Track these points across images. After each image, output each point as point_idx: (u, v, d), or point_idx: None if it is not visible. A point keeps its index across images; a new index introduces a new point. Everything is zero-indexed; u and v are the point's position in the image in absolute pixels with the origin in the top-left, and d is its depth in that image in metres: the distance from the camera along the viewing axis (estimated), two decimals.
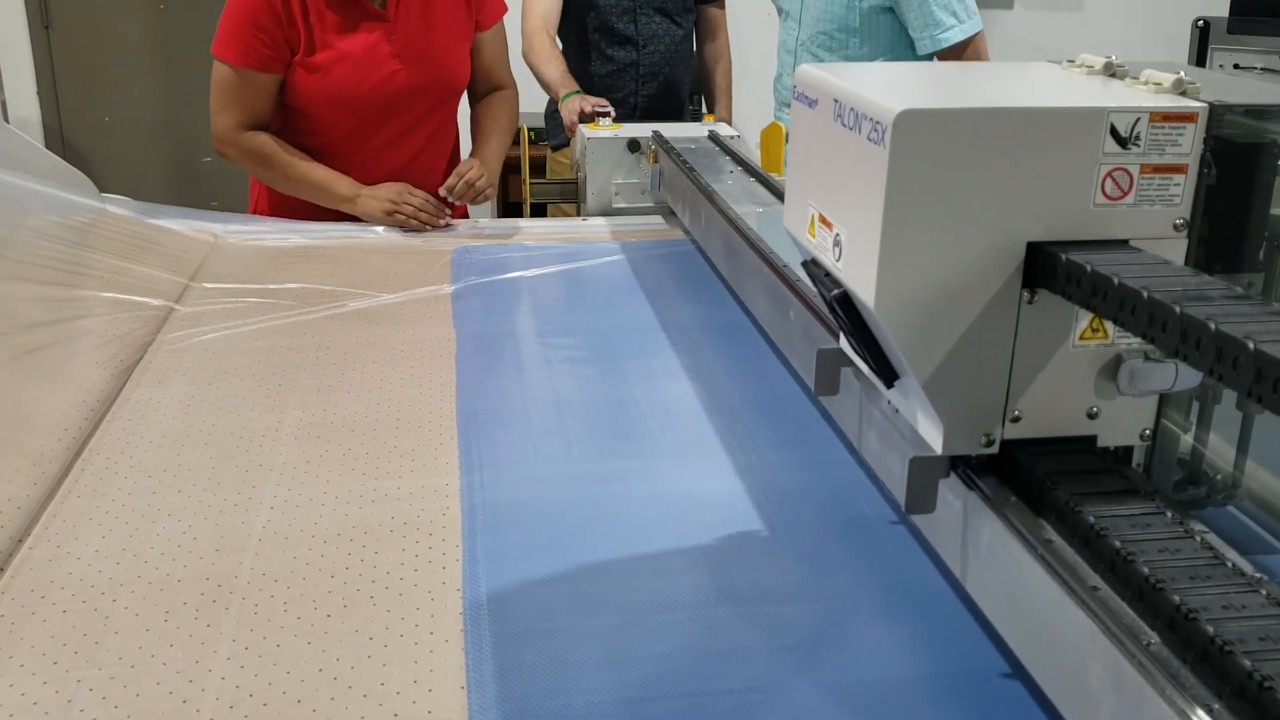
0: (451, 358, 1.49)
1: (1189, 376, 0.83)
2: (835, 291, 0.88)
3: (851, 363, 1.00)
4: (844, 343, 0.99)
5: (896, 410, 0.95)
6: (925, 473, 0.86)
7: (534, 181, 2.20)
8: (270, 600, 0.98)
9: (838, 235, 0.87)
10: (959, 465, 0.86)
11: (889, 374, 0.89)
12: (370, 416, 1.32)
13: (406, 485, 1.17)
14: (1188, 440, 1.00)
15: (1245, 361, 0.58)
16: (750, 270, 1.45)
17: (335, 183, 2.00)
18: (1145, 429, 0.87)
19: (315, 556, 1.04)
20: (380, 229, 2.00)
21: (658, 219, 2.06)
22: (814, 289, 0.95)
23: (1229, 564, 0.70)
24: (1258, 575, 0.68)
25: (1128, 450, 0.87)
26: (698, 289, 1.74)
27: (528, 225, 2.05)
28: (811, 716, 0.84)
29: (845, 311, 0.88)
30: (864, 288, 0.82)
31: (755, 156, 1.89)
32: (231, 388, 1.39)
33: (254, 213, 2.17)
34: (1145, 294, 0.68)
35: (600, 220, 2.06)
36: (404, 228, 1.99)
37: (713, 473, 1.19)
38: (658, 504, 1.13)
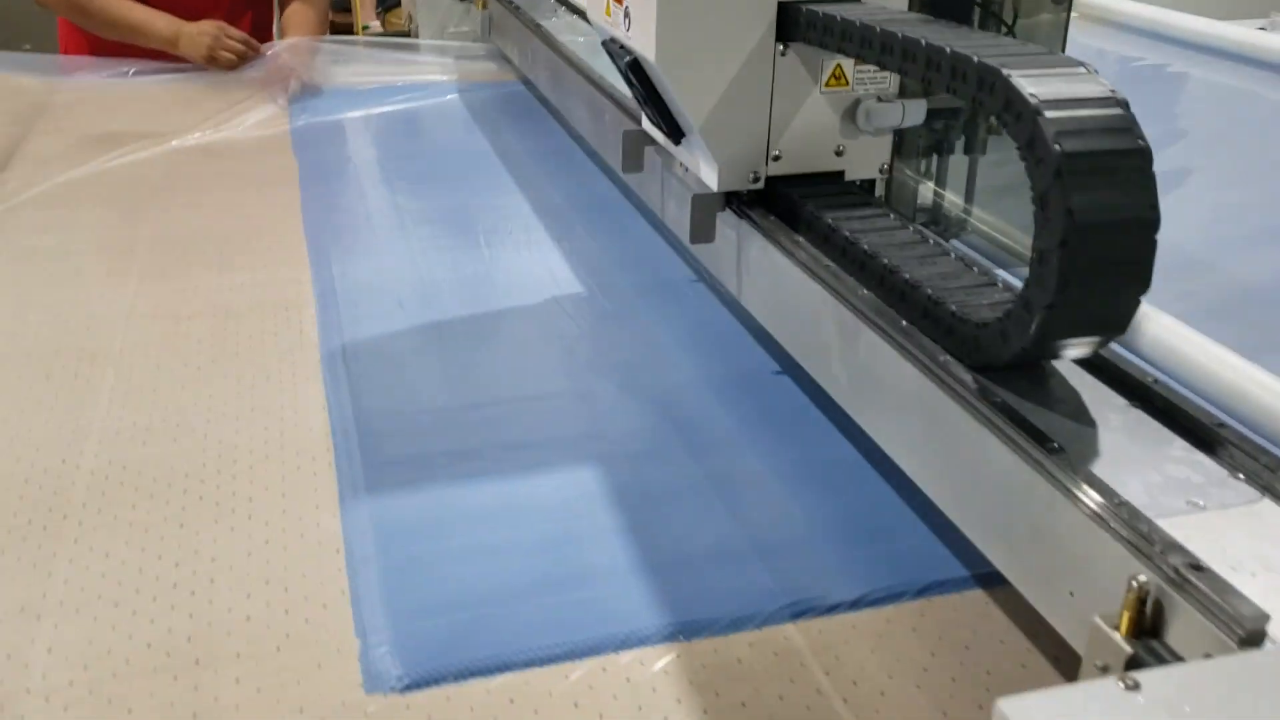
0: (296, 182, 1.59)
1: (915, 113, 1.02)
2: (628, 59, 1.03)
3: (652, 142, 1.16)
4: (645, 123, 1.15)
5: (686, 169, 1.11)
6: (705, 207, 1.03)
7: (369, 37, 2.27)
8: (144, 362, 1.09)
9: (626, 8, 1.02)
10: (732, 202, 1.04)
11: (677, 132, 1.06)
12: (222, 229, 1.43)
13: (262, 276, 1.29)
14: (928, 190, 1.21)
15: (944, 64, 0.75)
16: (572, 87, 1.60)
17: (154, 21, 2.04)
18: (883, 164, 1.06)
19: (181, 330, 1.16)
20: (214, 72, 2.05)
21: (491, 66, 2.17)
22: (621, 93, 1.10)
23: (930, 241, 0.89)
24: (946, 247, 0.88)
25: (871, 183, 1.06)
26: (526, 121, 1.87)
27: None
28: (618, 413, 1.02)
29: (638, 77, 1.04)
30: (647, 47, 0.97)
31: None
32: (84, 215, 1.47)
33: (65, 53, 2.18)
34: (877, 28, 0.85)
35: (434, 61, 2.14)
36: (225, 67, 2.04)
37: (539, 256, 1.35)
38: (495, 280, 1.29)
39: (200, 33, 2.03)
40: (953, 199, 1.18)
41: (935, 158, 1.18)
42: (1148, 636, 0.55)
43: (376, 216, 1.48)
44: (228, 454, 0.95)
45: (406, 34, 2.26)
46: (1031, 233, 0.66)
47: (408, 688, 0.70)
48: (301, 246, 1.37)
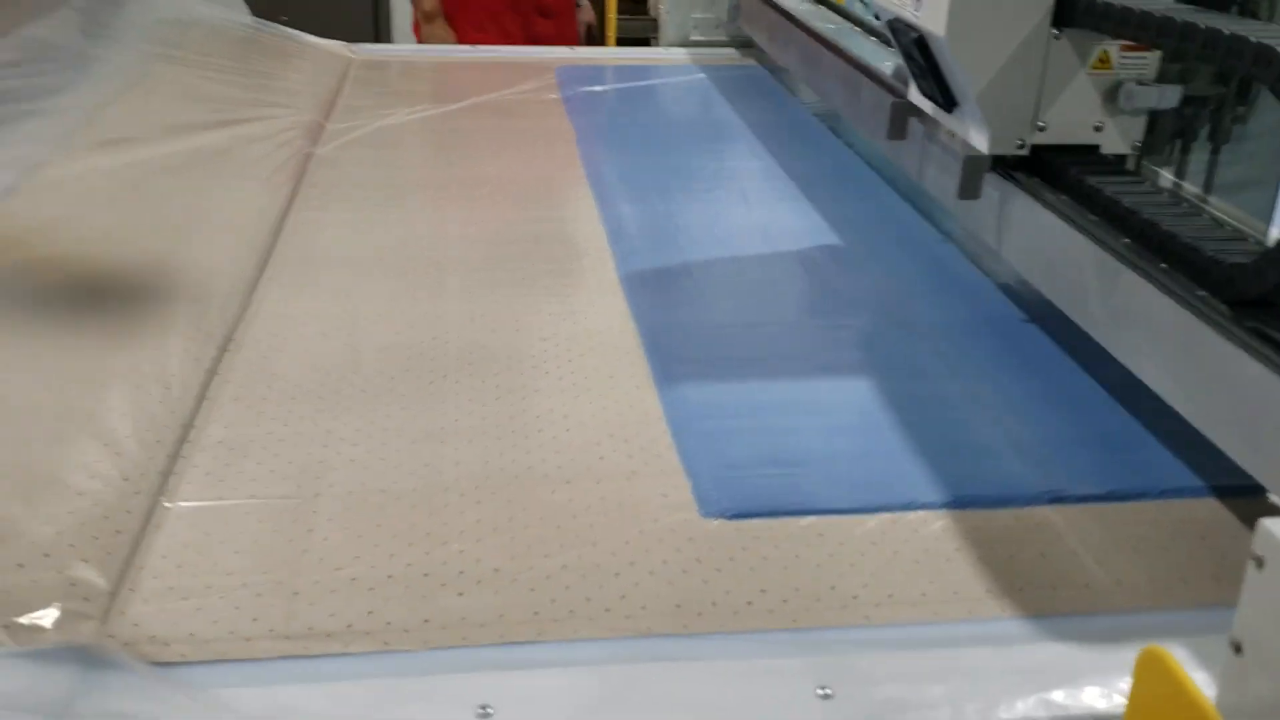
0: (572, 140, 1.81)
1: (1170, 97, 1.15)
2: (914, 35, 1.19)
3: (917, 112, 1.31)
4: (912, 94, 1.30)
5: (952, 134, 1.26)
6: (975, 167, 1.18)
7: (620, 17, 2.48)
8: (477, 272, 1.31)
9: None
10: (998, 165, 1.18)
11: (950, 101, 1.21)
12: (516, 175, 1.65)
13: (557, 214, 1.50)
14: (1168, 175, 1.32)
15: (1224, 46, 0.88)
16: (827, 67, 1.76)
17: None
18: (1136, 141, 1.18)
19: (501, 251, 1.37)
20: (485, 49, 2.31)
21: (732, 51, 2.36)
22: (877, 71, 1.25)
23: (1185, 204, 1.02)
24: (1200, 208, 1.00)
25: (1122, 158, 1.19)
26: (768, 99, 2.05)
27: (614, 51, 2.35)
28: (880, 339, 1.18)
29: (921, 52, 1.19)
30: (937, 25, 1.13)
31: None
32: (402, 156, 1.72)
33: None
34: (1155, 14, 0.98)
35: (680, 50, 2.36)
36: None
37: (795, 211, 1.52)
38: (757, 228, 1.46)
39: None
40: (1190, 187, 1.30)
41: (1179, 142, 1.30)
42: None
43: (645, 172, 1.67)
44: (559, 344, 1.14)
45: (653, 20, 2.46)
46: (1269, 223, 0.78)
47: (735, 516, 0.87)
48: (586, 192, 1.58)
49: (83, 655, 0.69)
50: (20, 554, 0.76)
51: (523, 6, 2.59)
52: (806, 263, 1.36)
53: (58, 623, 0.71)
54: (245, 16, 2.18)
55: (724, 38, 2.39)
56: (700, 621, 0.76)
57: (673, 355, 1.12)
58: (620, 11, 2.54)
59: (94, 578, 0.76)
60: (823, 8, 2.07)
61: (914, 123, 1.36)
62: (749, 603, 0.78)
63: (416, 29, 2.58)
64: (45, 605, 0.72)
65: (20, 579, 0.74)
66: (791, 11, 2.01)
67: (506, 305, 1.23)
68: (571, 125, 1.88)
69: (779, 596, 0.79)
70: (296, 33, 2.20)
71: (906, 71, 1.28)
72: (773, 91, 2.09)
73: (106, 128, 1.58)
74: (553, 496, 0.89)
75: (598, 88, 2.10)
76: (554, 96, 2.04)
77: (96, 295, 1.15)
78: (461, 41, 2.50)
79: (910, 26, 1.20)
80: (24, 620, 0.71)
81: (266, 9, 2.22)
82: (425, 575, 0.80)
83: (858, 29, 1.76)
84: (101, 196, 1.37)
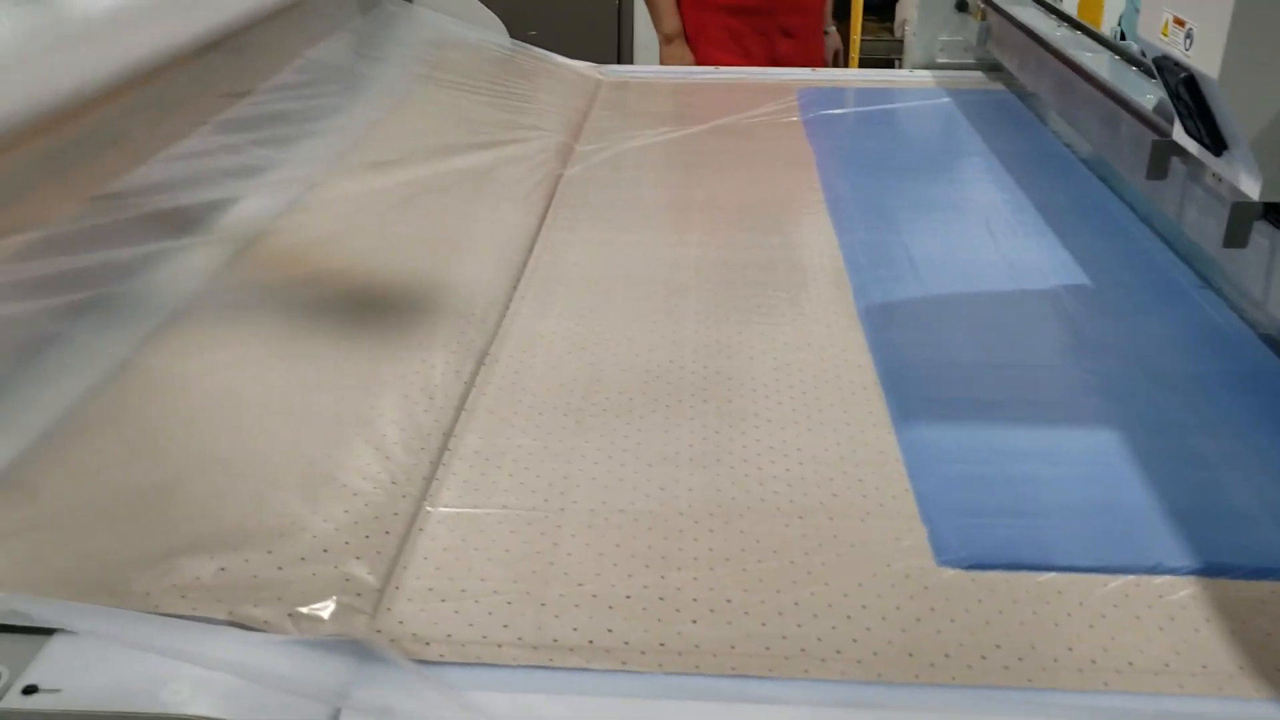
0: (811, 164, 1.82)
1: None
2: (1183, 75, 1.14)
3: (1180, 152, 1.25)
4: (1176, 132, 1.25)
5: (1219, 178, 1.20)
6: (1244, 214, 1.12)
7: (864, 39, 2.47)
8: (713, 296, 1.34)
9: (1189, 30, 1.13)
10: (1269, 213, 1.12)
11: (1219, 144, 1.15)
12: (755, 198, 1.67)
13: (793, 239, 1.52)
14: None
15: None
16: (1082, 96, 1.70)
17: (666, 15, 2.40)
18: None
19: (736, 275, 1.40)
20: (727, 71, 2.35)
21: (979, 74, 2.30)
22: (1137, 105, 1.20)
23: None
24: None
25: None
26: (1016, 126, 1.99)
27: (858, 73, 2.34)
28: (1131, 388, 1.13)
29: (1190, 92, 1.14)
30: (1210, 66, 1.08)
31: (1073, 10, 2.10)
32: (646, 177, 1.78)
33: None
34: None
35: (925, 72, 2.33)
36: None
37: (1042, 247, 1.47)
38: (1002, 263, 1.43)
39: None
40: None
41: None
42: None
43: (886, 199, 1.66)
44: (794, 374, 1.16)
45: (899, 41, 2.44)
46: None
47: (971, 566, 0.87)
48: (825, 218, 1.59)
49: (357, 648, 0.76)
50: (303, 548, 0.85)
51: (765, 27, 2.62)
52: (1054, 303, 1.32)
53: (334, 615, 0.79)
54: (504, 39, 2.30)
55: (971, 60, 2.34)
56: (932, 672, 0.77)
57: (911, 393, 1.12)
58: (864, 33, 2.52)
59: (365, 575, 0.83)
60: (1079, 34, 2.00)
61: (1176, 162, 1.30)
62: (983, 657, 0.78)
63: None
64: (324, 598, 0.80)
65: (303, 571, 0.82)
66: (1046, 37, 1.95)
67: (742, 331, 1.25)
68: (812, 148, 1.89)
69: (1014, 653, 0.78)
70: (550, 54, 2.30)
71: (1170, 108, 1.23)
72: (1022, 118, 2.03)
73: (376, 148, 1.71)
74: (785, 530, 0.91)
75: (840, 110, 2.10)
76: (794, 119, 2.05)
77: (369, 307, 1.25)
78: (703, 63, 2.55)
79: (1179, 65, 1.15)
80: (305, 610, 0.79)
81: (514, 27, 2.34)
82: (661, 599, 0.83)
83: (1117, 58, 1.69)
84: (373, 213, 1.49)
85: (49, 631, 0.75)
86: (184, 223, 1.31)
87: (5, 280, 1.07)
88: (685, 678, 0.76)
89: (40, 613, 0.74)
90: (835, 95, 2.18)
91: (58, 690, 0.70)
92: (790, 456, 1.02)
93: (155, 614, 0.76)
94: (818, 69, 2.39)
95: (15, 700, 0.70)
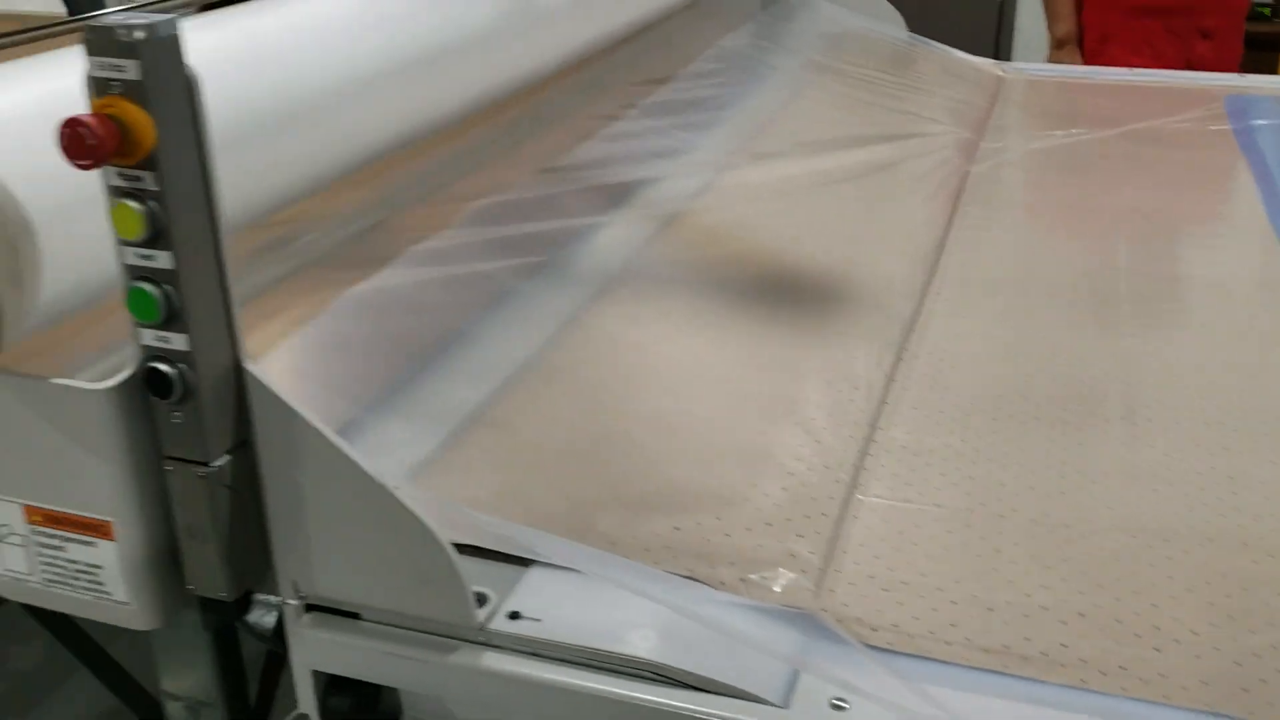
0: (1248, 178, 1.66)
1: None
2: None
3: None
4: None
5: None
6: None
7: None
8: (1146, 308, 1.26)
9: None
10: None
11: None
12: (1179, 209, 1.55)
13: (1233, 255, 1.40)
14: None
15: None
16: None
17: (1063, 16, 2.26)
18: None
19: (1172, 291, 1.31)
20: (1141, 73, 2.20)
21: None
22: None
23: None
24: None
25: None
26: None
27: None
28: None
29: None
30: None
31: None
32: (1049, 179, 1.70)
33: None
34: None
35: None
36: None
37: None
38: None
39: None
40: None
41: None
42: None
43: None
44: (1254, 399, 1.07)
45: None
46: None
47: None
48: (1271, 237, 1.45)
49: (811, 622, 0.77)
50: (748, 519, 0.87)
51: (1181, 28, 2.45)
52: None
53: (784, 587, 0.80)
54: (902, 32, 2.27)
55: None
56: None
57: None
58: None
59: (808, 553, 0.84)
60: None
61: None
62: None
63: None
64: (772, 569, 0.82)
65: (750, 541, 0.85)
66: None
67: (1184, 351, 1.17)
68: (1246, 160, 1.73)
69: None
70: (949, 49, 2.25)
71: None
72: None
73: (779, 136, 1.73)
74: (1254, 567, 0.84)
75: (1276, 120, 1.91)
76: (1223, 127, 1.89)
77: (784, 291, 1.27)
78: (1109, 65, 2.41)
79: None
80: (755, 577, 0.81)
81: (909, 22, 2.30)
82: (1118, 621, 0.79)
83: None
84: (781, 200, 1.51)
85: (527, 562, 0.81)
86: (617, 197, 1.38)
87: (476, 240, 1.17)
88: (1151, 705, 0.72)
89: (527, 541, 0.80)
90: (1274, 105, 1.99)
91: (538, 620, 0.76)
92: (1254, 490, 0.94)
93: (625, 560, 0.81)
94: (1249, 75, 2.18)
95: (502, 624, 0.76)
